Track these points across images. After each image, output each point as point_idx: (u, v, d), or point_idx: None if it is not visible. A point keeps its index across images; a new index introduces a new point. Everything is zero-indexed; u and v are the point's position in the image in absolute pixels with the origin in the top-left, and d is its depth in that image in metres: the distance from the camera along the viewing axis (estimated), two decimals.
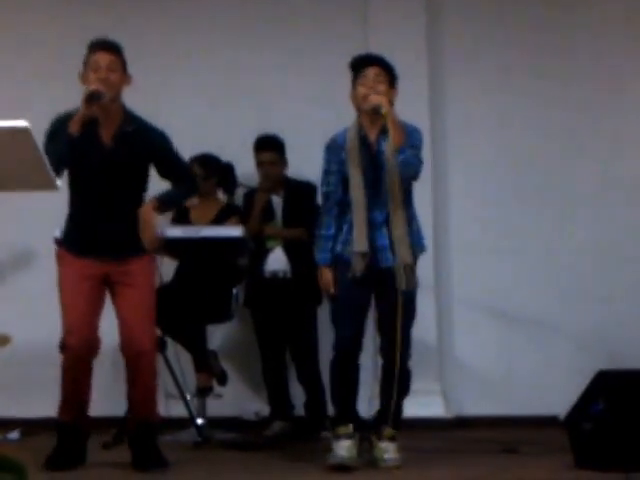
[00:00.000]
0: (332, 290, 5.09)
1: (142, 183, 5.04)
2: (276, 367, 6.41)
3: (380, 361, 5.18)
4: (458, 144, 6.83)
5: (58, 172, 4.68)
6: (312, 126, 6.48)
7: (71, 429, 4.93)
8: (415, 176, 5.05)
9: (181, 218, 6.36)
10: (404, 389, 5.08)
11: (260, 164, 6.39)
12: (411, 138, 5.00)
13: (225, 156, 6.43)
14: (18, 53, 6.76)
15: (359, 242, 5.00)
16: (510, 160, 6.81)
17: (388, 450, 5.02)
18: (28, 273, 5.78)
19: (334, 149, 5.12)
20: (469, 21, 6.90)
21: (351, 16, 6.82)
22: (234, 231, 5.94)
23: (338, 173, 5.09)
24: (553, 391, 6.23)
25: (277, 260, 6.32)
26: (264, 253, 6.33)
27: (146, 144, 4.95)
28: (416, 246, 5.10)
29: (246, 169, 6.48)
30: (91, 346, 4.88)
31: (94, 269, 4.89)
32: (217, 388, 6.24)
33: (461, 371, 6.71)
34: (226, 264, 6.22)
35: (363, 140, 5.05)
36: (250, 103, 6.79)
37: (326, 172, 5.17)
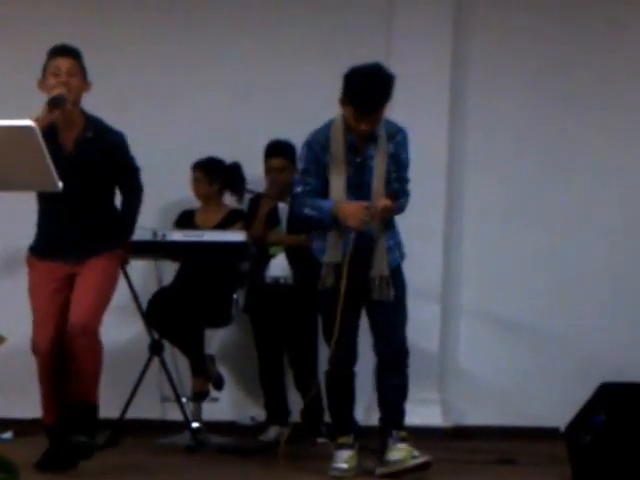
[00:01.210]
0: (361, 218, 4.81)
1: (106, 185, 5.06)
2: (274, 373, 6.38)
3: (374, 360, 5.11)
4: (476, 155, 6.78)
5: None
6: None
7: (57, 431, 4.91)
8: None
9: (186, 222, 6.34)
10: (404, 387, 5.02)
11: (269, 170, 6.36)
12: (399, 152, 4.94)
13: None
14: (19, 63, 6.75)
15: (331, 253, 4.94)
16: (525, 172, 6.77)
17: (412, 449, 4.93)
18: (21, 275, 5.75)
19: (315, 149, 4.97)
20: (495, 31, 6.83)
21: (374, 23, 6.77)
22: (237, 236, 5.93)
23: (318, 174, 4.96)
24: (554, 403, 6.20)
25: (279, 266, 6.29)
26: (266, 259, 6.30)
27: (107, 147, 4.99)
28: (397, 250, 5.04)
29: (251, 175, 6.42)
30: (48, 343, 4.88)
31: (59, 271, 4.95)
32: (213, 392, 6.21)
33: (460, 381, 6.68)
34: (227, 269, 6.20)
35: (350, 146, 4.93)
36: (263, 108, 6.74)
37: (305, 171, 5.00)
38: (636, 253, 6.67)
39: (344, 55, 6.01)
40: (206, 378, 6.14)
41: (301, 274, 6.23)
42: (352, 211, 4.85)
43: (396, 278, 4.99)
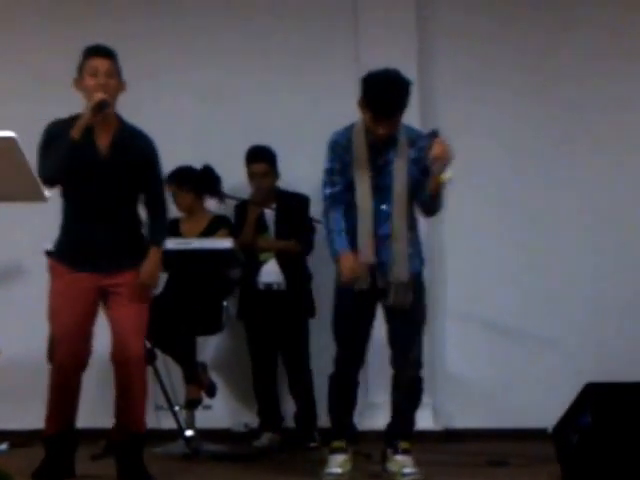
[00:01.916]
0: (354, 275, 4.84)
1: (136, 193, 4.95)
2: (267, 379, 6.40)
3: (390, 371, 5.11)
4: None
5: (56, 179, 4.67)
6: (301, 141, 6.50)
7: (58, 441, 4.87)
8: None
9: (171, 231, 6.34)
10: (416, 398, 5.07)
11: (252, 176, 6.39)
12: (423, 157, 4.89)
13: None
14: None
15: (365, 253, 4.89)
16: (502, 173, 6.82)
17: (406, 464, 4.95)
18: (18, 286, 5.76)
19: (337, 149, 4.97)
20: (460, 40, 6.90)
21: (342, 33, 6.84)
22: (224, 243, 5.93)
23: (345, 175, 4.95)
24: (542, 404, 6.18)
25: (271, 272, 6.32)
26: (257, 265, 6.33)
27: (142, 151, 4.90)
28: (418, 257, 5.05)
29: (234, 182, 6.48)
30: (81, 360, 4.82)
31: (89, 282, 4.80)
32: (206, 400, 6.23)
33: (450, 384, 6.71)
34: (216, 276, 6.20)
35: (372, 147, 4.93)
36: (239, 117, 6.80)
37: (330, 171, 4.98)
38: (623, 254, 6.70)
39: (312, 70, 6.18)
40: (199, 386, 6.15)
41: (293, 279, 6.28)
42: (346, 268, 4.87)
43: (416, 285, 5.01)
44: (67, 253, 4.86)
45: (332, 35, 6.85)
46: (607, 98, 6.76)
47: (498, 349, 6.69)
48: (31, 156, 4.23)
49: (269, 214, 6.39)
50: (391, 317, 5.03)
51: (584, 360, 6.46)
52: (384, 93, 4.83)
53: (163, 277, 6.30)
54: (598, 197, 6.78)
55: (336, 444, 5.04)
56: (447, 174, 4.80)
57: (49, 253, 5.05)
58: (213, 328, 6.26)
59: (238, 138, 6.55)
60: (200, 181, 6.36)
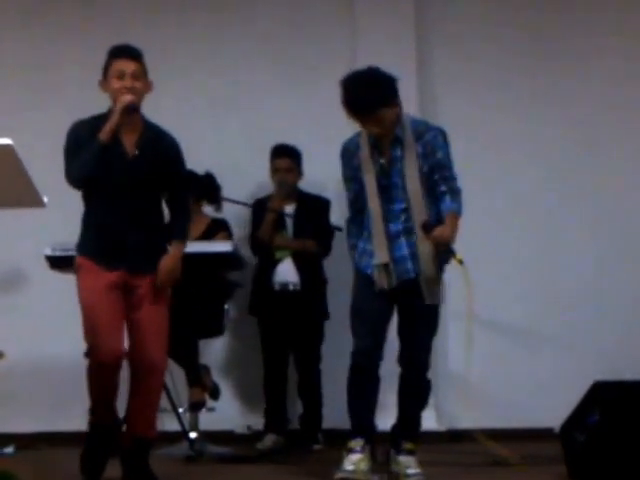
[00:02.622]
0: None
1: (161, 192, 4.92)
2: (278, 378, 6.38)
3: (398, 370, 5.08)
4: (460, 160, 6.82)
5: (86, 181, 4.67)
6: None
7: (105, 429, 4.87)
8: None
9: None
10: (423, 400, 5.05)
11: (275, 171, 6.41)
12: (432, 151, 4.90)
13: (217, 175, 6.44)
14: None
15: (379, 254, 4.89)
16: (506, 175, 6.85)
17: (410, 465, 4.92)
18: (21, 290, 5.76)
19: (347, 156, 5.00)
20: (459, 41, 6.94)
21: (339, 33, 6.85)
22: (224, 246, 5.93)
23: (356, 179, 4.97)
24: (548, 404, 6.19)
25: (286, 271, 6.32)
26: (273, 263, 6.33)
27: (167, 150, 4.88)
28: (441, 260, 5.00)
29: (235, 188, 6.47)
30: (118, 359, 4.76)
31: (118, 280, 4.74)
32: (210, 402, 6.23)
33: (454, 384, 6.70)
34: (216, 279, 6.21)
35: (374, 147, 4.93)
36: (244, 120, 6.81)
37: (345, 179, 5.05)
38: (629, 253, 6.73)
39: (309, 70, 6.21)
40: (202, 388, 6.15)
41: (308, 279, 6.27)
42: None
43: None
44: (96, 250, 4.79)
45: (330, 37, 6.85)
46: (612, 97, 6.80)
47: (504, 349, 6.70)
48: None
49: (288, 213, 6.40)
50: (405, 316, 5.00)
51: (590, 359, 6.46)
52: (353, 90, 4.79)
53: None
54: (603, 197, 6.81)
55: (352, 444, 4.92)
56: (457, 256, 4.87)
57: (78, 251, 4.88)
58: (214, 331, 6.27)
59: (243, 145, 6.60)
60: (201, 187, 6.36)
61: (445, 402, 6.70)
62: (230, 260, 5.97)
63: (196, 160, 6.27)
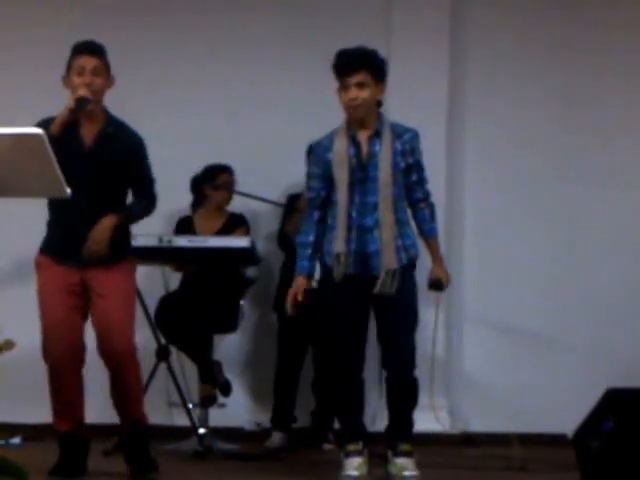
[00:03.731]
0: (294, 301, 5.00)
1: (122, 187, 4.93)
2: (291, 374, 6.32)
3: (384, 373, 5.07)
4: (474, 157, 6.83)
5: None
6: None
7: (69, 438, 4.84)
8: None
9: (186, 229, 6.32)
10: (412, 400, 4.99)
11: None
12: (410, 150, 4.95)
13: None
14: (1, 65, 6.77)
15: (337, 243, 4.90)
16: (526, 175, 6.80)
17: (407, 466, 4.88)
18: (32, 280, 5.74)
19: (319, 151, 5.00)
20: (491, 37, 6.88)
21: (374, 32, 6.78)
22: (241, 242, 5.91)
23: (322, 176, 4.96)
24: (562, 409, 6.15)
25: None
26: None
27: (127, 146, 4.87)
28: (410, 250, 4.99)
29: (248, 185, 6.42)
30: (74, 355, 4.77)
31: (72, 276, 4.78)
32: (220, 398, 6.20)
33: (468, 387, 6.68)
34: (233, 275, 6.20)
35: (352, 139, 4.93)
36: (264, 116, 6.77)
37: (309, 175, 5.08)
38: None
39: None
40: (213, 384, 6.12)
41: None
42: (291, 290, 5.02)
43: (406, 278, 4.94)
44: (53, 247, 4.86)
45: (364, 34, 6.78)
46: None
47: (518, 352, 6.65)
48: None
49: None
50: (380, 314, 4.97)
51: (605, 365, 6.40)
52: (343, 50, 4.92)
53: (177, 275, 6.30)
54: (618, 200, 6.75)
55: (351, 447, 4.94)
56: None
57: (39, 249, 4.94)
58: (228, 327, 6.25)
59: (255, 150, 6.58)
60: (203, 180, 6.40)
61: (458, 405, 6.66)
62: (247, 256, 5.94)
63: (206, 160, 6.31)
